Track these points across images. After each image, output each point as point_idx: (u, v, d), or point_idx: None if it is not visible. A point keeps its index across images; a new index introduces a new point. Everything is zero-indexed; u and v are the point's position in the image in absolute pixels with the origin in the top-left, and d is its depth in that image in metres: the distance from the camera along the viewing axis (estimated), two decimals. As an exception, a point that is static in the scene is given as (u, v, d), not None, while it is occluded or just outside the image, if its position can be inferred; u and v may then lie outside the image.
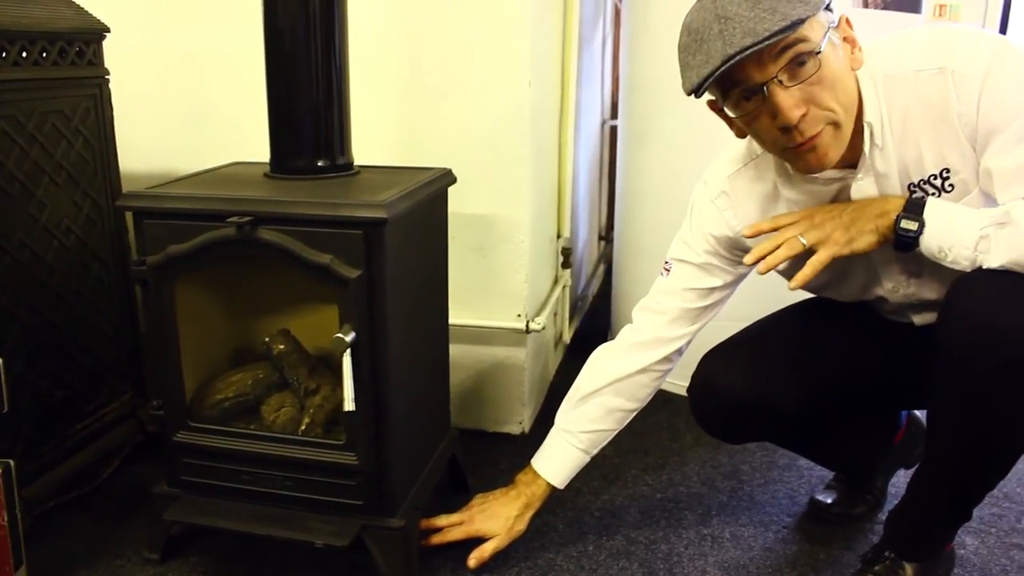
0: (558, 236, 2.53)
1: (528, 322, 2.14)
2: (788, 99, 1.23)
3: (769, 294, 1.72)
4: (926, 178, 1.34)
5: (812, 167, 1.32)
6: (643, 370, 1.63)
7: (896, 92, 1.32)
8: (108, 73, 1.90)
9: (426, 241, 1.68)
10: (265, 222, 1.43)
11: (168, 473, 1.64)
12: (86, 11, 1.86)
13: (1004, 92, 1.25)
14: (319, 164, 1.62)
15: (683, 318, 1.60)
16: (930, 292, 1.46)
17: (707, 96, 1.33)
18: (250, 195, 1.49)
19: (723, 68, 1.20)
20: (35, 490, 1.72)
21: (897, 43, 1.36)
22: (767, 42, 1.18)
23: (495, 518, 1.68)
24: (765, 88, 1.23)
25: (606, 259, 3.56)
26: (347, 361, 1.43)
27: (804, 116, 1.24)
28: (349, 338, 1.42)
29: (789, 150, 1.30)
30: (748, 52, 1.18)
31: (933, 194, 1.34)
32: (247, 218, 1.42)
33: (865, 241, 1.32)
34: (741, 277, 1.60)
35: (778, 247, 1.35)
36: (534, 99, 2.05)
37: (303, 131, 1.61)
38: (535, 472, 1.70)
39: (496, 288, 2.13)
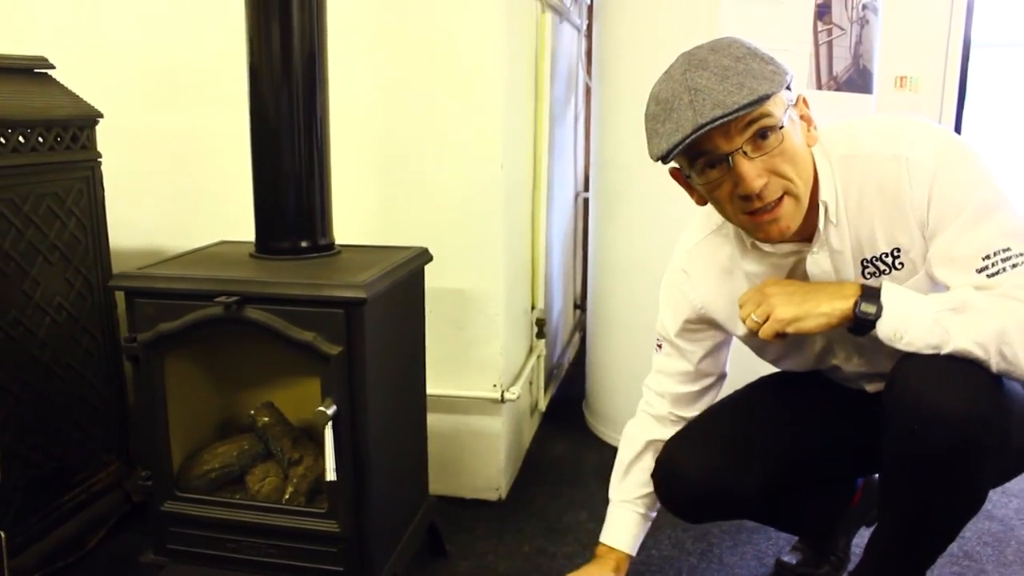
0: (532, 307, 2.61)
1: (503, 392, 2.21)
2: (751, 169, 1.29)
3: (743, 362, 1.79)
4: (878, 255, 1.41)
5: (772, 237, 1.38)
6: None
7: (852, 172, 1.39)
8: (100, 156, 2.00)
9: (404, 317, 1.76)
10: (251, 301, 1.52)
11: (155, 542, 1.69)
12: (81, 99, 1.96)
13: (953, 186, 1.32)
14: (302, 245, 1.71)
15: (683, 401, 1.68)
16: (880, 364, 1.52)
17: (672, 165, 1.39)
18: (236, 276, 1.58)
19: (693, 136, 1.26)
20: (23, 560, 1.77)
21: (850, 128, 1.43)
22: (735, 114, 1.25)
23: None
24: (730, 158, 1.30)
25: (581, 327, 3.64)
26: (329, 433, 1.50)
27: (765, 185, 1.30)
28: (331, 411, 1.49)
29: (749, 219, 1.36)
30: (718, 123, 1.25)
31: (885, 271, 1.41)
32: (234, 298, 1.51)
33: (814, 322, 1.36)
34: (725, 339, 1.66)
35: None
36: (507, 179, 2.15)
37: (287, 214, 1.70)
38: (608, 547, 1.72)
39: (472, 359, 2.21)
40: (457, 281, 2.15)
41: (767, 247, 1.46)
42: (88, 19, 2.23)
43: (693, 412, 1.69)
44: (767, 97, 1.26)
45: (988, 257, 1.31)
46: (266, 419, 1.75)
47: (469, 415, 2.25)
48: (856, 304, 1.34)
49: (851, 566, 1.85)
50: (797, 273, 1.48)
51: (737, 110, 1.25)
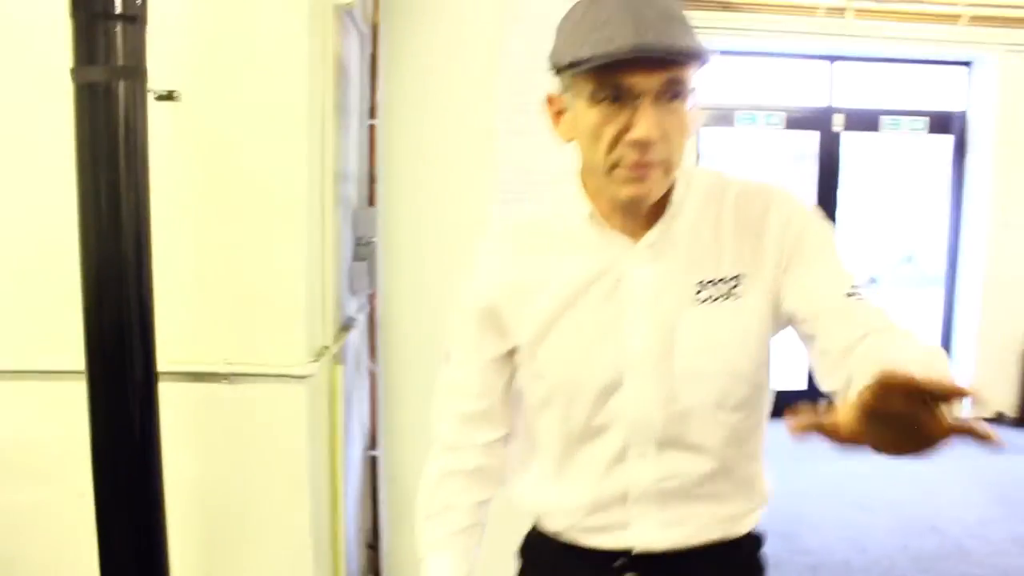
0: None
1: None
2: (654, 117, 1.20)
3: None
4: (716, 279, 1.34)
5: (635, 194, 1.27)
6: (478, 466, 1.50)
7: (715, 193, 1.36)
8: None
9: None
10: None
11: None
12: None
13: (813, 229, 1.35)
14: None
15: (473, 420, 1.48)
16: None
17: (551, 91, 1.32)
18: None
19: (627, 55, 1.17)
20: None
21: (712, 168, 1.42)
22: (677, 56, 1.19)
23: None
24: (640, 98, 1.20)
25: (375, 570, 3.63)
26: None
27: (655, 143, 1.21)
28: None
29: (624, 169, 1.25)
30: (658, 54, 1.17)
31: (721, 298, 1.34)
32: None
33: None
34: (506, 358, 1.46)
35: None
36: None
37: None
38: None
39: None
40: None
41: (605, 226, 1.35)
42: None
43: (487, 435, 1.48)
44: (704, 58, 1.21)
45: (851, 289, 1.30)
46: None
47: None
48: None
49: None
50: (617, 290, 1.36)
51: (680, 52, 1.19)
